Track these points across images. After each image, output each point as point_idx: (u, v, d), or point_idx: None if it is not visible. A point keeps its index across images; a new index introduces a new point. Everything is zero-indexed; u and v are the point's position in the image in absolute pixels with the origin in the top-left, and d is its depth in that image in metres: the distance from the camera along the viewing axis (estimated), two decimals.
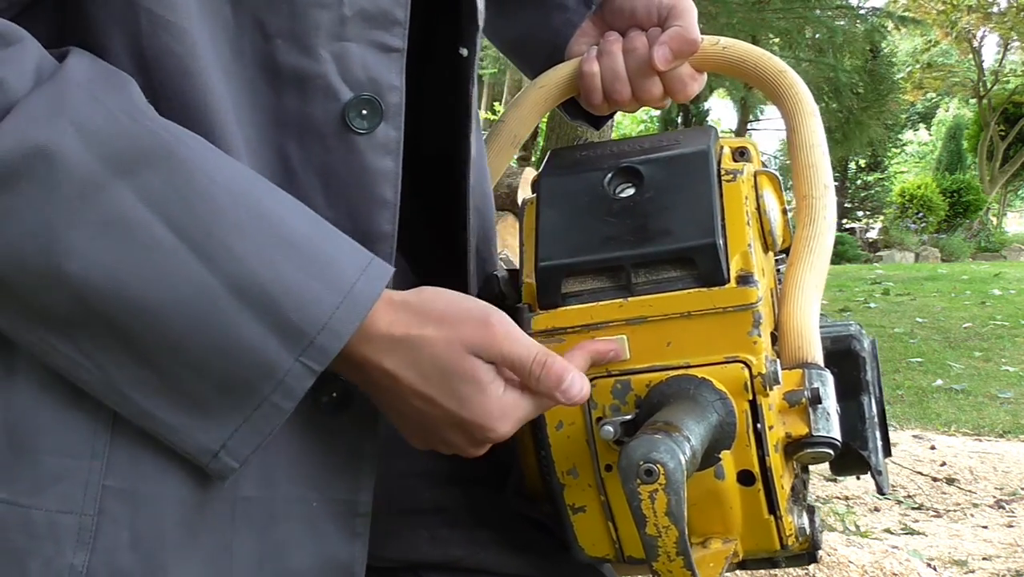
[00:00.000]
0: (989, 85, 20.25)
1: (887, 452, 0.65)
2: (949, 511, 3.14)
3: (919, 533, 2.92)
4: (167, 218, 0.48)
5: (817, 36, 8.19)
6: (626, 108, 0.75)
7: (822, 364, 0.60)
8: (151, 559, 0.52)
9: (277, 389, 0.50)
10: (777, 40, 8.45)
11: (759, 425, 0.58)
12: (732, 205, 0.59)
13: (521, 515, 0.70)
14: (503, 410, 0.54)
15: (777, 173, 0.65)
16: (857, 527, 2.91)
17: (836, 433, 0.59)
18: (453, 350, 0.53)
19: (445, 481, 0.71)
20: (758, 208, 0.62)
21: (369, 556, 0.66)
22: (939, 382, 5.04)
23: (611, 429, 0.56)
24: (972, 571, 2.58)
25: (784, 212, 0.65)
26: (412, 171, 0.70)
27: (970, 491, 3.32)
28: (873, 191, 18.67)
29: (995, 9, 18.18)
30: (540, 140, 8.44)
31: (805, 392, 0.59)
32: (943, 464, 3.58)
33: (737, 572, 0.64)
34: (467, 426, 0.54)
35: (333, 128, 0.55)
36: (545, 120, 6.99)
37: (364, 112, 0.55)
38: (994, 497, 3.26)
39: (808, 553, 0.63)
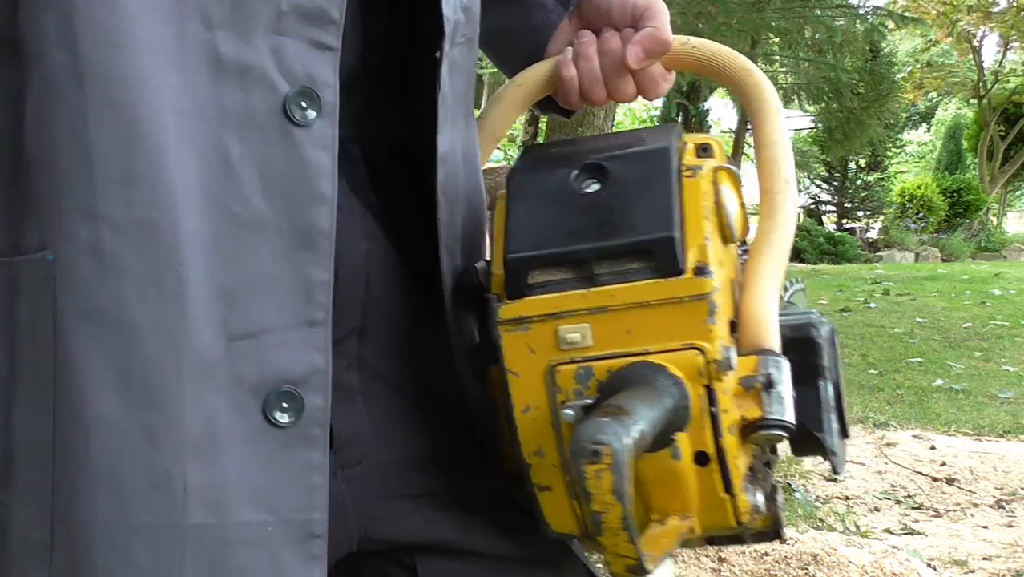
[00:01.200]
0: (989, 85, 20.24)
1: (844, 434, 0.68)
2: (949, 511, 3.14)
3: (919, 533, 2.92)
4: None
5: (817, 36, 8.19)
6: (599, 105, 0.77)
7: (778, 351, 0.63)
8: None
9: None
10: (777, 40, 8.45)
11: (714, 409, 0.60)
12: (691, 200, 0.62)
13: (509, 498, 0.71)
14: None
15: (735, 169, 0.66)
16: (857, 527, 2.91)
17: (790, 416, 0.61)
18: None
19: (434, 467, 0.71)
20: (717, 203, 0.64)
21: (364, 540, 0.67)
22: (939, 382, 5.04)
23: (571, 412, 0.59)
24: (972, 571, 2.58)
25: (743, 206, 0.67)
26: (411, 168, 0.70)
27: (970, 491, 3.32)
28: (873, 191, 18.57)
29: (995, 9, 18.17)
30: (541, 139, 8.44)
31: (759, 377, 0.61)
32: (943, 464, 3.58)
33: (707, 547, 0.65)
34: None
35: (274, 120, 0.55)
36: (545, 120, 6.99)
37: (303, 104, 0.55)
38: (994, 497, 3.26)
39: (772, 531, 0.65)
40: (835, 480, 3.40)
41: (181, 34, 0.52)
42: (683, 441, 0.60)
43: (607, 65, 0.74)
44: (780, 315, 0.66)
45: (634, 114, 21.42)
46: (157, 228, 0.51)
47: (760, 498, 0.64)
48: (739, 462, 0.62)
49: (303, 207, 0.56)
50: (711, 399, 0.60)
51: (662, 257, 0.60)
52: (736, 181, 0.66)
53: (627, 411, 0.54)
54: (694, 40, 0.74)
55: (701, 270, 0.59)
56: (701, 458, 0.61)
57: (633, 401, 0.56)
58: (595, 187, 0.63)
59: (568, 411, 0.59)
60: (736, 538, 0.66)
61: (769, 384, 0.61)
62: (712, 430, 0.60)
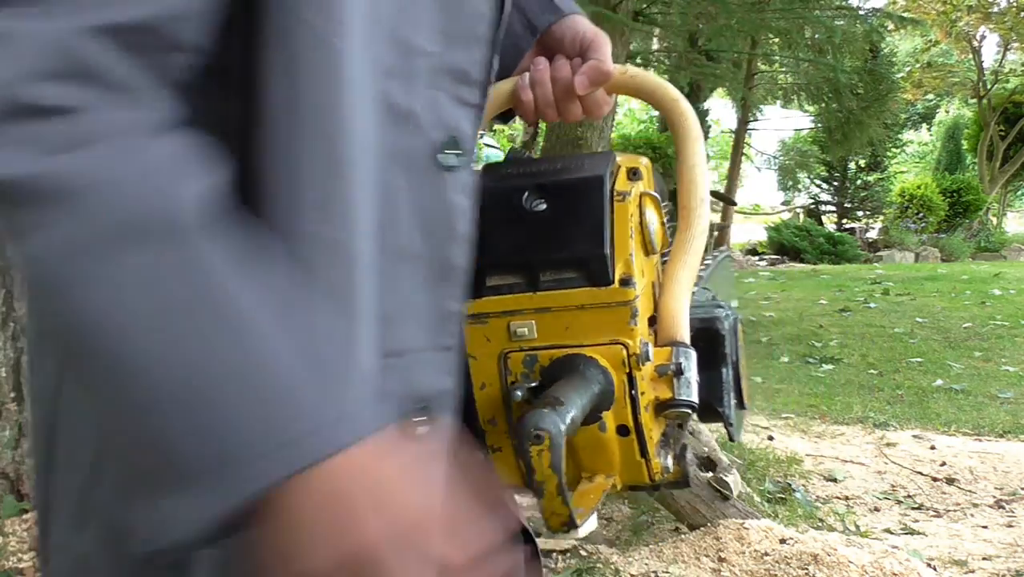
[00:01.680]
0: (989, 85, 20.24)
1: (741, 406, 0.85)
2: (949, 511, 3.14)
3: (919, 533, 2.92)
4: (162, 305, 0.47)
5: (817, 36, 8.20)
6: (552, 122, 0.89)
7: (688, 343, 0.77)
8: None
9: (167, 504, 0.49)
10: (777, 40, 8.45)
11: (633, 392, 0.74)
12: (620, 221, 0.75)
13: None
14: None
15: (656, 194, 0.79)
16: (857, 527, 2.91)
17: (694, 397, 0.76)
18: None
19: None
20: (640, 223, 0.77)
21: None
22: (939, 382, 5.05)
23: (519, 393, 0.73)
24: (972, 571, 2.59)
25: (662, 224, 0.81)
26: None
27: (970, 491, 3.33)
28: (873, 191, 18.52)
29: (995, 9, 18.17)
30: (540, 140, 8.46)
31: (671, 366, 0.75)
32: (943, 464, 3.58)
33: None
34: None
35: (428, 163, 0.62)
36: (544, 124, 7.02)
37: (449, 151, 0.63)
38: (994, 497, 3.27)
39: (682, 481, 0.81)
40: (835, 480, 3.41)
41: (369, 80, 0.57)
42: (609, 417, 0.75)
43: (559, 91, 0.85)
44: (694, 307, 0.80)
45: (634, 114, 21.45)
46: (345, 249, 0.56)
47: (669, 460, 0.79)
48: (653, 433, 0.77)
49: (447, 244, 0.64)
50: (631, 384, 0.74)
51: (595, 269, 0.74)
52: (657, 204, 0.80)
53: (562, 402, 0.68)
54: (632, 70, 0.87)
55: (626, 281, 0.73)
56: (623, 430, 0.76)
57: (568, 392, 0.70)
58: (543, 207, 0.76)
59: (517, 392, 0.73)
60: (653, 488, 0.81)
61: (679, 371, 0.75)
62: (632, 409, 0.75)
